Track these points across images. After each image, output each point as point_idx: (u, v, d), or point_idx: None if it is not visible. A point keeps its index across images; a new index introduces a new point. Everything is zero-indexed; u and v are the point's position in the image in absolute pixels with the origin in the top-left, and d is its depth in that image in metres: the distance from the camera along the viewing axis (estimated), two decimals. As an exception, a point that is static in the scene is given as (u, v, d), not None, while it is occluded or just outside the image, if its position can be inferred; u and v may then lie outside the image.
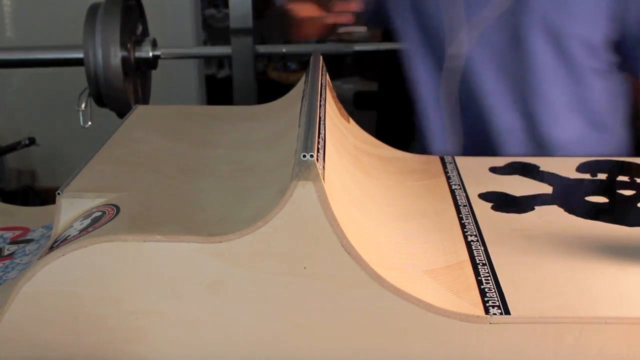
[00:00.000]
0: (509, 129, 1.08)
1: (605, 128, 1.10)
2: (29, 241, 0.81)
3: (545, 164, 0.95)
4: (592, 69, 1.05)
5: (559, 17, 1.01)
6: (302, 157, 0.60)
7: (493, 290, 0.65)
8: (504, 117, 1.08)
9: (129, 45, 1.40)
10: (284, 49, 1.76)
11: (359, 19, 1.14)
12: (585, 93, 1.06)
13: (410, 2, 1.10)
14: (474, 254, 0.71)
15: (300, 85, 0.91)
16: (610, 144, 1.11)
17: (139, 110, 1.00)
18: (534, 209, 0.82)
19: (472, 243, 0.74)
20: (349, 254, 0.61)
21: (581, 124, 1.08)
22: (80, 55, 1.37)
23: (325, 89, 0.83)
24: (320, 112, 0.73)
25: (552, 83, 1.05)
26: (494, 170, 0.93)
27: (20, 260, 0.77)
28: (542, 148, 1.08)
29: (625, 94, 1.12)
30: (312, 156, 0.60)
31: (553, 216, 0.80)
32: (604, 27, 1.02)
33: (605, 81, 1.07)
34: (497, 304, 0.63)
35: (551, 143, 1.08)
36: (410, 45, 1.13)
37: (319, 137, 0.66)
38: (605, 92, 1.08)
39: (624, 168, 0.94)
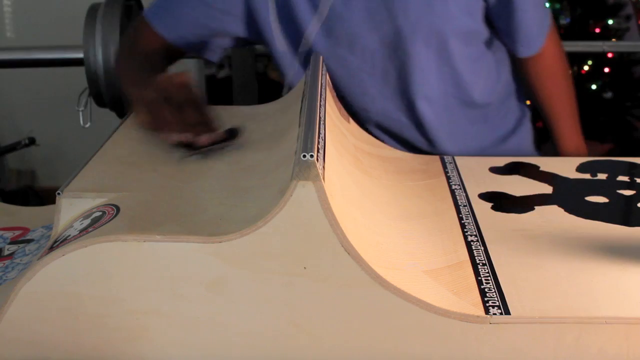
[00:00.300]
0: (391, 117, 1.09)
1: (487, 109, 1.11)
2: (29, 241, 0.81)
3: (545, 164, 0.95)
4: (469, 53, 1.05)
5: (437, 20, 1.01)
6: (302, 157, 0.60)
7: (493, 290, 0.65)
8: (390, 114, 1.08)
9: (129, 45, 1.39)
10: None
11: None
12: (463, 79, 1.06)
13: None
14: (474, 254, 0.71)
15: (300, 85, 0.91)
16: (494, 124, 1.12)
17: (139, 110, 0.99)
18: (534, 209, 0.82)
19: (472, 243, 0.74)
20: (349, 254, 0.61)
21: (461, 109, 1.08)
22: (80, 55, 1.37)
23: (325, 89, 0.83)
24: (320, 112, 0.73)
25: (432, 78, 1.05)
26: (494, 170, 0.93)
27: (20, 260, 0.77)
28: (428, 141, 1.09)
29: (506, 72, 1.12)
30: (312, 156, 0.60)
31: (553, 216, 0.80)
32: (479, 10, 1.03)
33: (483, 62, 1.08)
34: (497, 304, 0.63)
35: (432, 134, 1.08)
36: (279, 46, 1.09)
37: (319, 137, 0.66)
38: (483, 73, 1.09)
39: (624, 168, 0.94)
